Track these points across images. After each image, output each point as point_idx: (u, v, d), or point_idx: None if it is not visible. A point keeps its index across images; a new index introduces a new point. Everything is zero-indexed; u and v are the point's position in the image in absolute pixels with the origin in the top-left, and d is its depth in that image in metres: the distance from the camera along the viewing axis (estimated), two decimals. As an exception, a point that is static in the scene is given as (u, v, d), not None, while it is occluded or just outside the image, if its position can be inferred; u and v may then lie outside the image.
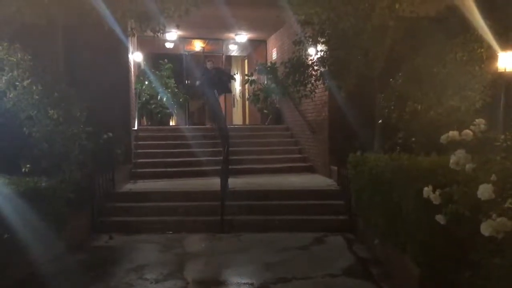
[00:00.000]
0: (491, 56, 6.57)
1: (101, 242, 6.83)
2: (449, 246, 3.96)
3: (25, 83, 5.95)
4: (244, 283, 5.15)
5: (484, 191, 3.06)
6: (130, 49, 10.42)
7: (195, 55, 15.84)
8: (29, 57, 6.27)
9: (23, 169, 5.73)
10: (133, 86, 11.05)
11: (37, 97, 5.97)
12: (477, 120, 3.88)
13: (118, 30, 7.57)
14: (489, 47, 6.48)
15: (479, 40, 6.55)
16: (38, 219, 5.00)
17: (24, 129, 5.83)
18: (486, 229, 2.98)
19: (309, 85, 8.37)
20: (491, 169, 3.30)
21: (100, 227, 7.31)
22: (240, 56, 17.98)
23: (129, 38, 9.52)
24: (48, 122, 5.99)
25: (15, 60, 6.06)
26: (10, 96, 5.84)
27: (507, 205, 3.01)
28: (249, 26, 12.65)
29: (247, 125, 15.61)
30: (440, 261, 4.13)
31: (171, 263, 5.82)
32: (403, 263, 4.88)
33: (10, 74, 5.95)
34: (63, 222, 5.90)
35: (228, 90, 13.44)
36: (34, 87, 5.98)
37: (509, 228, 2.90)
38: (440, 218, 3.55)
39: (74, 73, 7.83)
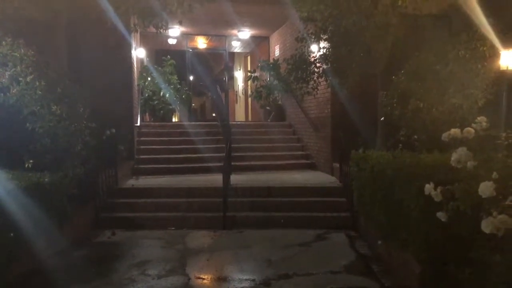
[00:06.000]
0: (494, 54, 6.56)
1: (104, 237, 6.87)
2: (450, 243, 3.97)
3: (28, 78, 5.96)
4: (246, 279, 5.17)
5: (485, 188, 3.07)
6: (133, 45, 10.43)
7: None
8: (32, 52, 6.27)
9: (26, 165, 5.76)
10: (135, 82, 11.06)
11: (40, 92, 5.98)
12: (479, 118, 3.88)
13: (121, 26, 7.59)
14: (492, 45, 6.47)
15: (482, 38, 6.53)
16: (41, 214, 5.02)
17: (28, 124, 5.85)
18: (486, 226, 3.00)
19: (312, 82, 8.39)
20: (493, 166, 3.31)
21: (102, 222, 7.34)
22: (243, 52, 17.98)
23: (132, 34, 9.53)
24: (51, 118, 6.00)
25: (18, 55, 6.06)
26: (14, 91, 5.85)
27: (507, 202, 3.03)
28: (252, 22, 12.64)
29: (249, 121, 15.63)
30: (441, 258, 4.14)
31: (173, 259, 5.85)
32: (404, 260, 4.90)
33: (14, 69, 5.95)
34: (66, 218, 5.93)
35: None
36: (37, 83, 5.99)
37: (510, 225, 2.91)
38: (441, 215, 3.56)
39: (77, 69, 7.85)
